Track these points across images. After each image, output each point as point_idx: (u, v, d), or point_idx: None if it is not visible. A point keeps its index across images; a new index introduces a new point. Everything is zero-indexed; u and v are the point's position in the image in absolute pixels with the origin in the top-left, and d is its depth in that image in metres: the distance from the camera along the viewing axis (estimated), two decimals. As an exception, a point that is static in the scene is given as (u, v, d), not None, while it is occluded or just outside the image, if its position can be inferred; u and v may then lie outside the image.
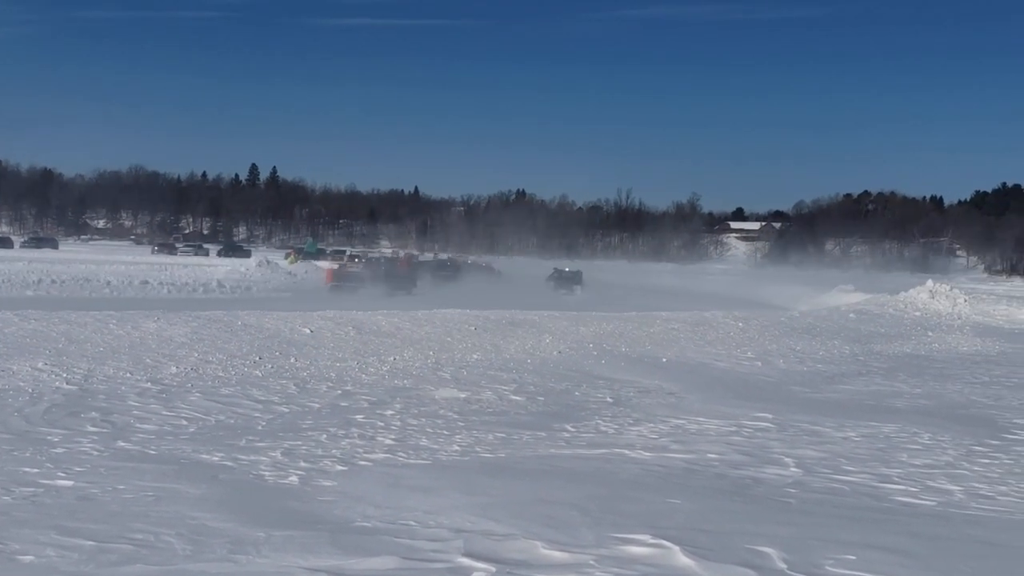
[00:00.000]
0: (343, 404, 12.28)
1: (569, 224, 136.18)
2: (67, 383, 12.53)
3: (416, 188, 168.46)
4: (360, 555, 5.86)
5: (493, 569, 5.62)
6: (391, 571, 5.63)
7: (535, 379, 15.11)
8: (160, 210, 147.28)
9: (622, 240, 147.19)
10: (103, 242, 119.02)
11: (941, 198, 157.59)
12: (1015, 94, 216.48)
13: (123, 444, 9.39)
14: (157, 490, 7.51)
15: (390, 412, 11.78)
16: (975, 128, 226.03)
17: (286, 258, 66.59)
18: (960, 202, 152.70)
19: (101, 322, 17.06)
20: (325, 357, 16.02)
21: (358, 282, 39.27)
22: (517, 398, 13.33)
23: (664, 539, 6.25)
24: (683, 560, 5.88)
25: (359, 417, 11.36)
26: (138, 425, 10.41)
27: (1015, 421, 12.59)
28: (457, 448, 9.77)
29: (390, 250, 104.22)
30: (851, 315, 29.74)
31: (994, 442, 10.90)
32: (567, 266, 58.16)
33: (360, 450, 9.47)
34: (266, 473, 8.36)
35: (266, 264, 47.45)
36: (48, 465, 8.27)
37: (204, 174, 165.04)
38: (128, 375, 13.40)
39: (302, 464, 8.73)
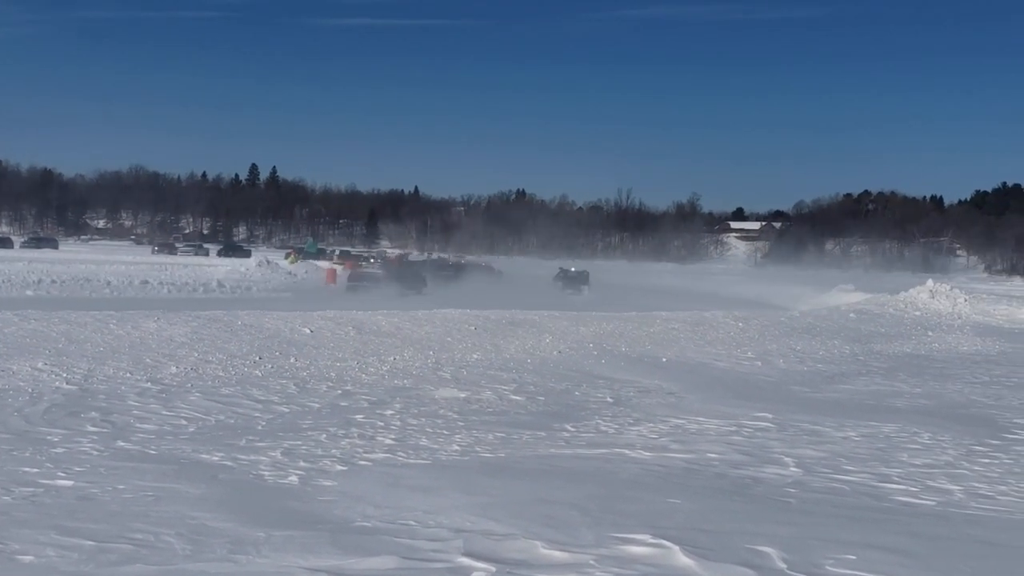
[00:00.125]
0: (343, 404, 12.29)
1: (569, 224, 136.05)
2: (67, 383, 12.53)
3: (416, 188, 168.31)
4: (360, 555, 5.86)
5: (493, 569, 5.62)
6: (391, 571, 5.62)
7: (535, 379, 15.12)
8: (160, 210, 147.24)
9: (622, 240, 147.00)
10: (103, 242, 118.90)
11: (941, 198, 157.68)
12: (1015, 94, 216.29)
13: (123, 444, 9.39)
14: (157, 490, 7.51)
15: (390, 412, 11.79)
16: (975, 128, 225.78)
17: (286, 258, 66.55)
18: (960, 202, 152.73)
19: (101, 322, 17.07)
20: (325, 357, 16.02)
21: (374, 282, 39.99)
22: (517, 398, 13.34)
23: (664, 539, 6.25)
24: (683, 560, 5.88)
25: (359, 417, 11.36)
26: (138, 425, 10.42)
27: (1015, 421, 12.60)
28: (457, 448, 9.77)
29: (391, 250, 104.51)
30: (851, 315, 29.74)
31: (994, 442, 10.90)
32: (572, 266, 58.12)
33: (360, 450, 9.47)
34: (266, 473, 8.36)
35: (266, 264, 47.51)
36: (48, 465, 8.27)
37: (204, 174, 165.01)
38: (128, 375, 13.41)
39: (302, 464, 8.73)
